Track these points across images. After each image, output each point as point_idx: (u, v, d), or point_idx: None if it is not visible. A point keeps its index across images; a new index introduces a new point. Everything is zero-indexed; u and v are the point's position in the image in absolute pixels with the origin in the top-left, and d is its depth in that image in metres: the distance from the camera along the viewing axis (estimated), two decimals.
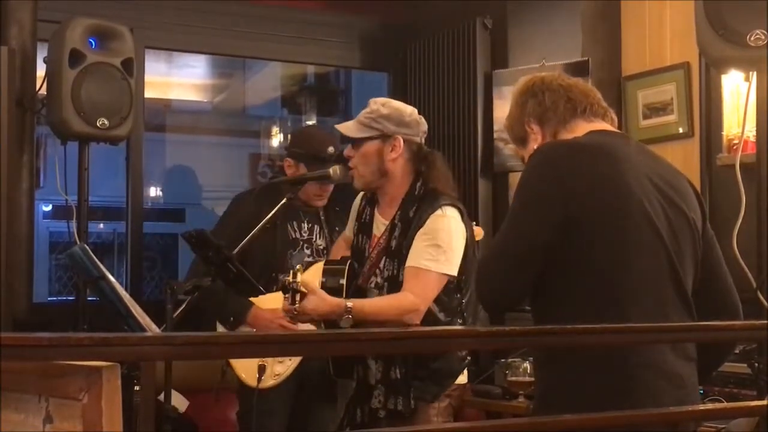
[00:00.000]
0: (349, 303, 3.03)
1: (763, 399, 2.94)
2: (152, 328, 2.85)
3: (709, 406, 2.71)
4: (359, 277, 3.27)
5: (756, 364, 3.23)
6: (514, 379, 4.08)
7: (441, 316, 3.15)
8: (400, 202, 3.22)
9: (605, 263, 2.18)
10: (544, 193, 2.23)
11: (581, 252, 2.18)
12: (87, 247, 2.89)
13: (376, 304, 3.13)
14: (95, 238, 9.93)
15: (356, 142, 3.23)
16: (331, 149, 3.85)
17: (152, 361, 1.30)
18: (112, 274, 2.91)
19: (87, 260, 2.83)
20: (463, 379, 3.28)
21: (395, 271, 3.16)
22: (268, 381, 3.57)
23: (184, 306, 3.15)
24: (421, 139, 3.28)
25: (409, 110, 3.28)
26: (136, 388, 2.59)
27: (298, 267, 3.11)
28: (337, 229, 3.84)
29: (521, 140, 2.47)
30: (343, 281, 3.25)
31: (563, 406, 2.14)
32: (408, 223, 3.16)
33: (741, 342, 3.21)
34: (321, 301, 3.06)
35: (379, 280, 3.22)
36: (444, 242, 3.11)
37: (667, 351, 2.18)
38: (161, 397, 3.06)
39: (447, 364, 3.19)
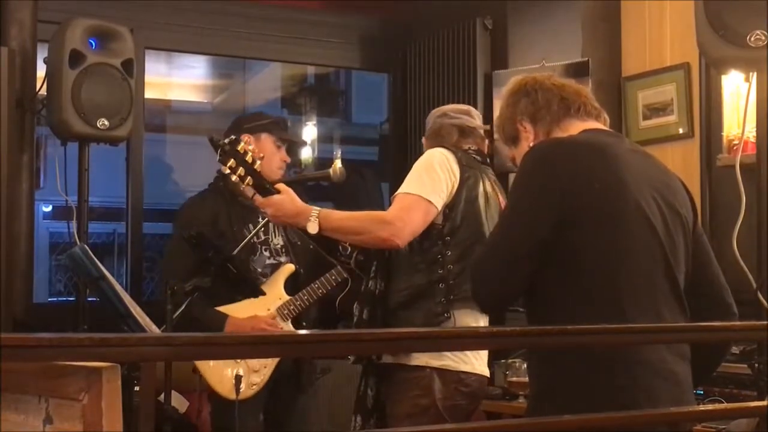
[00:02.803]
0: (317, 209, 2.93)
1: (763, 399, 2.94)
2: (152, 329, 2.85)
3: (709, 406, 2.72)
4: None
5: (756, 365, 3.22)
6: (514, 379, 4.08)
7: (417, 260, 2.99)
8: None
9: (601, 261, 2.18)
10: (540, 191, 2.23)
11: (577, 250, 2.18)
12: (87, 248, 2.90)
13: (344, 212, 3.00)
14: (95, 239, 9.93)
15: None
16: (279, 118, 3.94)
17: (152, 362, 1.30)
18: (112, 275, 2.91)
19: (87, 261, 2.84)
20: (476, 366, 3.02)
21: None
22: (246, 392, 3.55)
23: (184, 306, 3.15)
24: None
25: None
26: (136, 388, 2.59)
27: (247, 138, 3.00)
28: None
29: (513, 139, 2.47)
30: None
31: (560, 404, 2.14)
32: None
33: (741, 342, 3.21)
34: (289, 200, 2.96)
35: None
36: (421, 168, 2.98)
37: (664, 349, 2.19)
38: (162, 397, 3.06)
39: (418, 321, 2.97)
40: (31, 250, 4.46)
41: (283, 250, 3.82)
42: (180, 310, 3.12)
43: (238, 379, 3.48)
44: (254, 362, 3.59)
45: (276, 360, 3.65)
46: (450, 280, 2.97)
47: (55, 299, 10.68)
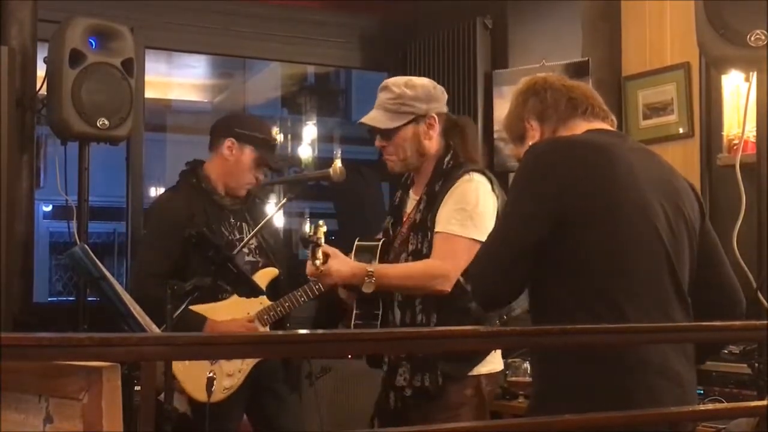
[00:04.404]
0: (371, 267, 2.96)
1: (763, 399, 2.94)
2: (152, 328, 2.85)
3: (709, 406, 2.72)
4: (390, 254, 3.18)
5: (756, 364, 3.22)
6: (514, 379, 4.08)
7: (469, 287, 3.03)
8: (429, 177, 3.15)
9: (601, 262, 2.18)
10: (538, 191, 2.23)
11: (577, 250, 2.18)
12: (87, 247, 2.90)
13: (400, 268, 3.04)
14: (95, 238, 9.93)
15: (388, 134, 3.14)
16: (278, 137, 3.85)
17: (152, 361, 1.30)
18: (113, 274, 2.91)
19: (87, 260, 2.84)
20: (497, 365, 3.15)
21: (419, 245, 3.07)
22: (218, 395, 3.51)
23: (184, 306, 3.14)
24: (446, 107, 3.21)
25: (430, 82, 3.20)
26: (137, 388, 2.59)
27: (320, 222, 2.95)
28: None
29: (519, 138, 2.47)
30: (375, 261, 3.15)
31: (562, 404, 2.14)
32: (434, 197, 3.08)
33: (741, 342, 3.21)
34: (343, 263, 2.97)
35: (405, 255, 3.14)
36: (471, 206, 3.02)
37: (667, 349, 2.19)
38: (162, 397, 3.05)
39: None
40: (31, 250, 4.46)
41: (258, 251, 3.79)
42: (180, 309, 3.11)
43: (210, 381, 3.44)
44: (228, 366, 3.57)
45: (251, 365, 3.63)
46: None
47: (55, 299, 10.69)
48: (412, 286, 3.02)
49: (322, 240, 2.93)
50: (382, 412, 3.16)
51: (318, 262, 2.90)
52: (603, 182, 2.21)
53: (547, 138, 2.38)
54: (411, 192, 3.26)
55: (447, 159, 3.12)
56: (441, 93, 3.19)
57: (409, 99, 3.12)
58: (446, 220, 3.01)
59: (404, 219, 3.22)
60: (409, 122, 3.12)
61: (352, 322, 3.20)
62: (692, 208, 2.34)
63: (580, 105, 2.39)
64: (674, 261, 2.23)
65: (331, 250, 2.98)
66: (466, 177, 3.05)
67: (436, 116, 3.14)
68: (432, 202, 3.07)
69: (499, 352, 3.15)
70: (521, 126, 2.45)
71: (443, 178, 3.09)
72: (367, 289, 2.94)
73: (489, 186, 3.07)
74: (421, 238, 3.07)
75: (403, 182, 3.31)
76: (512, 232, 2.26)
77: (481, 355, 3.07)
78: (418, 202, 3.14)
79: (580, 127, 2.37)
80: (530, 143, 2.40)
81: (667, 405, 2.11)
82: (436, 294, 2.99)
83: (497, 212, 3.05)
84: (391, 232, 3.24)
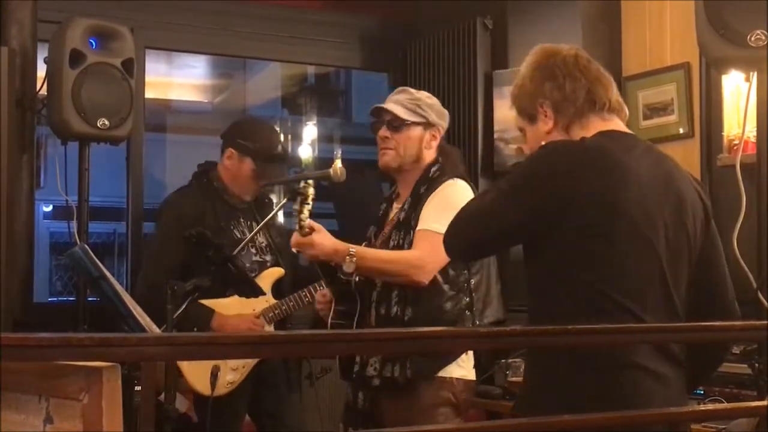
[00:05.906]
0: (353, 248, 3.04)
1: (763, 399, 2.93)
2: (152, 329, 2.85)
3: (709, 406, 2.72)
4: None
5: (756, 365, 3.22)
6: (514, 379, 4.08)
7: (446, 288, 3.13)
8: (414, 184, 3.27)
9: (591, 276, 2.16)
10: (540, 185, 2.20)
11: (573, 253, 2.17)
12: (87, 247, 2.90)
13: (380, 252, 3.14)
14: (95, 238, 9.93)
15: (399, 125, 3.26)
16: (280, 148, 3.87)
17: (153, 362, 1.30)
18: (113, 274, 2.91)
19: (87, 260, 2.84)
20: (467, 373, 3.20)
21: (401, 241, 3.17)
22: (221, 389, 3.54)
23: (184, 306, 3.14)
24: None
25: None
26: (137, 388, 2.59)
27: (310, 182, 3.03)
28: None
29: (529, 117, 2.39)
30: None
31: (551, 404, 2.13)
32: (418, 198, 3.21)
33: (741, 342, 3.21)
34: (326, 238, 3.04)
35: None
36: (453, 206, 3.05)
37: (652, 355, 2.16)
38: (162, 397, 3.05)
39: None
40: (31, 250, 4.46)
41: (267, 249, 3.82)
42: (180, 309, 3.11)
43: (214, 376, 3.46)
44: (233, 361, 3.58)
45: (254, 360, 3.64)
46: (474, 307, 3.18)
47: (55, 299, 10.67)
48: (388, 270, 3.09)
49: (310, 199, 3.01)
50: (350, 414, 3.22)
51: (304, 223, 2.97)
52: (608, 192, 2.17)
53: (558, 141, 2.31)
54: (395, 204, 3.37)
55: (434, 169, 3.27)
56: (447, 117, 3.39)
57: (425, 105, 3.31)
58: (428, 218, 3.11)
59: (386, 226, 3.33)
60: (419, 123, 3.28)
61: (329, 321, 3.26)
62: (696, 216, 2.29)
63: (599, 100, 2.32)
64: (669, 279, 2.20)
65: (316, 225, 3.06)
66: (449, 181, 3.20)
67: (440, 131, 3.33)
68: (416, 203, 3.20)
69: (471, 362, 3.22)
70: (533, 106, 2.36)
71: (428, 183, 3.23)
72: (348, 268, 3.01)
73: (470, 191, 3.19)
74: (403, 235, 3.19)
75: (388, 196, 3.45)
76: (497, 212, 2.26)
77: (450, 356, 3.14)
78: (403, 204, 3.26)
79: (594, 125, 2.31)
80: (543, 127, 2.33)
81: (657, 405, 2.10)
82: (413, 285, 3.06)
83: None
84: (373, 239, 3.33)
